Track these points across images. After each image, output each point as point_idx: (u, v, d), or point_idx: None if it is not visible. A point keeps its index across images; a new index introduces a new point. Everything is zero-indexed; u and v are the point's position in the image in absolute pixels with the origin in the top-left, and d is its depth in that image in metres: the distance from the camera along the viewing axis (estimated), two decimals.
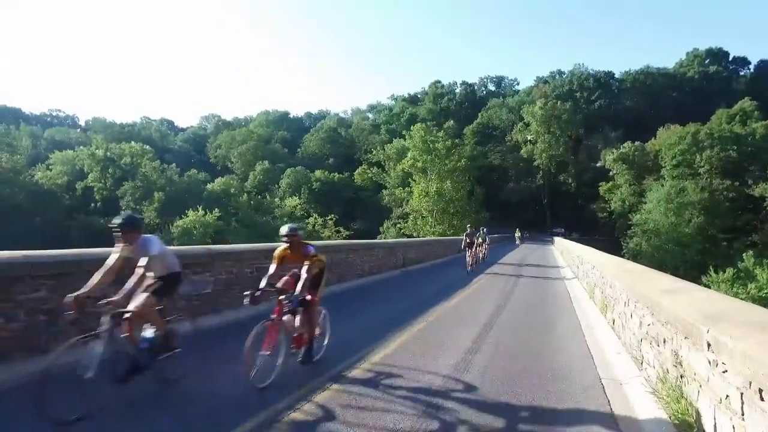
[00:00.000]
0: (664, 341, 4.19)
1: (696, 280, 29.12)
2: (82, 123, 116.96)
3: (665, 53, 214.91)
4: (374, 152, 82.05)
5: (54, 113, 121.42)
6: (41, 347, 4.87)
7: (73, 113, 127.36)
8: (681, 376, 3.65)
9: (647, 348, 4.91)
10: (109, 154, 69.93)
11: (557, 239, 47.32)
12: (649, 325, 4.89)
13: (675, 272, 29.55)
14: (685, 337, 3.50)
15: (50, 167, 69.95)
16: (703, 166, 59.84)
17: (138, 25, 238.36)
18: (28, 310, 4.76)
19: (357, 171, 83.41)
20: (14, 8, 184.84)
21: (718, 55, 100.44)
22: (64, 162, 70.37)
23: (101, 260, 5.55)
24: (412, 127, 55.61)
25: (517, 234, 50.63)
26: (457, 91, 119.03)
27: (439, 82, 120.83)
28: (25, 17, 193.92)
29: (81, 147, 73.92)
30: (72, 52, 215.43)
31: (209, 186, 69.06)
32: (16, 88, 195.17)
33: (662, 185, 54.89)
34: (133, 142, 76.10)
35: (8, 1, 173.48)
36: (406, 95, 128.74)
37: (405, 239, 27.43)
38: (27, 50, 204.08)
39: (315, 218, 53.10)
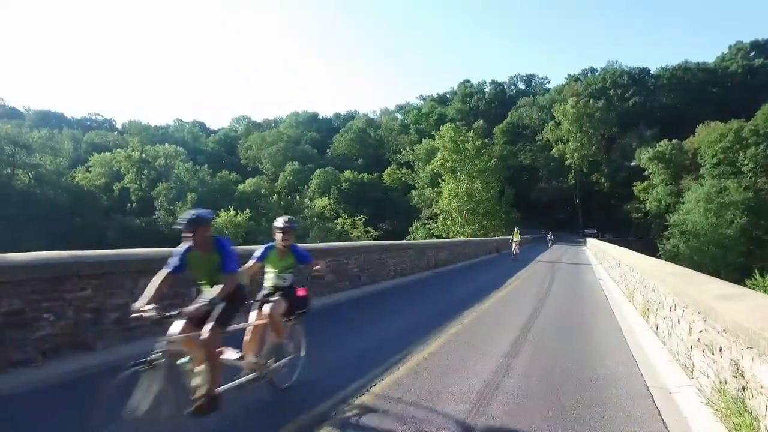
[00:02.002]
0: (721, 350, 3.97)
1: (739, 283, 27.75)
2: (119, 126, 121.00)
3: (705, 47, 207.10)
4: (403, 152, 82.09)
5: (93, 117, 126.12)
6: (87, 344, 5.00)
7: (110, 117, 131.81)
8: (743, 389, 3.44)
9: (699, 356, 4.67)
10: (144, 155, 72.07)
11: (590, 240, 46.21)
12: (700, 332, 4.66)
13: (715, 275, 28.22)
14: (748, 347, 3.29)
15: (89, 169, 72.54)
16: (747, 165, 57.40)
17: (172, 31, 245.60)
18: (75, 308, 4.89)
19: (386, 171, 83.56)
20: (57, 18, 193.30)
21: (764, 47, 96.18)
22: (102, 164, 72.90)
23: (143, 261, 5.69)
24: (441, 127, 55.25)
25: (515, 238, 26.63)
26: (487, 90, 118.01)
27: (468, 81, 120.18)
28: (66, 27, 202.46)
29: (118, 149, 76.38)
30: (110, 58, 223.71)
31: (240, 187, 70.30)
32: (59, 94, 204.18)
33: (701, 185, 52.84)
34: (166, 144, 78.26)
35: (53, 11, 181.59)
36: (435, 95, 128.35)
37: (436, 240, 27.20)
38: (69, 58, 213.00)
39: (344, 218, 53.34)
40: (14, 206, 48.13)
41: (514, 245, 26.46)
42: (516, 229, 28.76)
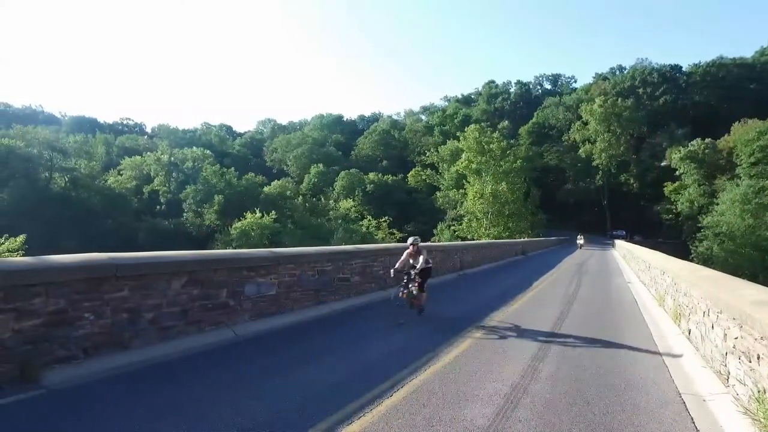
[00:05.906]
0: (759, 357, 3.86)
1: None
2: (148, 130, 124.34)
3: (742, 43, 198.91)
4: (428, 154, 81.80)
5: (124, 122, 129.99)
6: (124, 343, 5.17)
7: (140, 121, 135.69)
8: None
9: (735, 363, 4.55)
10: (172, 159, 73.83)
11: (618, 242, 45.12)
12: (736, 338, 4.53)
13: (753, 279, 27.24)
14: None
15: (121, 172, 74.69)
16: None
17: (201, 37, 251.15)
18: (113, 308, 5.07)
19: (410, 173, 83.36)
20: (92, 29, 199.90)
21: None
22: (133, 167, 75.02)
23: (176, 263, 5.85)
24: (465, 128, 54.91)
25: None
26: (512, 90, 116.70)
27: (493, 81, 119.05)
28: (101, 37, 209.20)
29: (148, 153, 78.38)
30: (141, 64, 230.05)
31: (266, 189, 71.05)
32: (93, 100, 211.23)
33: (737, 185, 50.92)
34: (194, 147, 79.97)
35: (88, 22, 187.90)
36: (460, 96, 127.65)
37: (462, 242, 27.15)
38: (102, 65, 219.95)
39: (369, 220, 53.38)
40: (51, 208, 49.92)
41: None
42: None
